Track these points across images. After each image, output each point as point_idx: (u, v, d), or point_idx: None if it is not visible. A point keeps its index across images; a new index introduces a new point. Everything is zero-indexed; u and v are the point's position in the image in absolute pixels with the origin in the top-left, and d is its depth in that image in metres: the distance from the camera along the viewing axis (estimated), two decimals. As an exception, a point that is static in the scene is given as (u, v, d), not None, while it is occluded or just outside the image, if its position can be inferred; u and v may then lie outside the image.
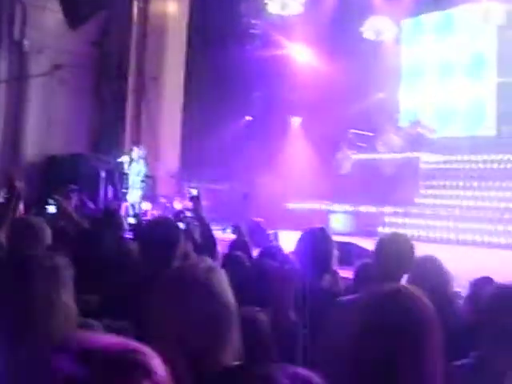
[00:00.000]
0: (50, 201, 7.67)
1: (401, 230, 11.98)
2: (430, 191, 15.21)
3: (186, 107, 19.20)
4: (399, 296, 2.19)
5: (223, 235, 9.97)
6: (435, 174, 15.49)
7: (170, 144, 18.94)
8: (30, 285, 2.27)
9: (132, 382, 1.09)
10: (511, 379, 2.47)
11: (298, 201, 16.36)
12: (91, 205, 14.67)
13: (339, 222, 14.89)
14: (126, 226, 7.76)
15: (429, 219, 14.00)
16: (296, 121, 18.75)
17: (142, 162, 16.00)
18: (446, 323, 2.17)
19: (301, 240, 4.17)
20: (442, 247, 10.84)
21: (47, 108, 17.63)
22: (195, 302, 2.17)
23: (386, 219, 14.51)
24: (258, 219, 10.10)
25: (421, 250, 3.87)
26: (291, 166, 16.49)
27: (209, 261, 2.41)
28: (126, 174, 16.45)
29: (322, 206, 15.95)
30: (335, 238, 4.24)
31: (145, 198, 16.14)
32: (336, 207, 15.70)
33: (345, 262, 6.43)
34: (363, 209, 15.22)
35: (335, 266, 4.37)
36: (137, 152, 16.20)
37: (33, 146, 17.96)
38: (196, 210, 5.06)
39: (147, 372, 1.11)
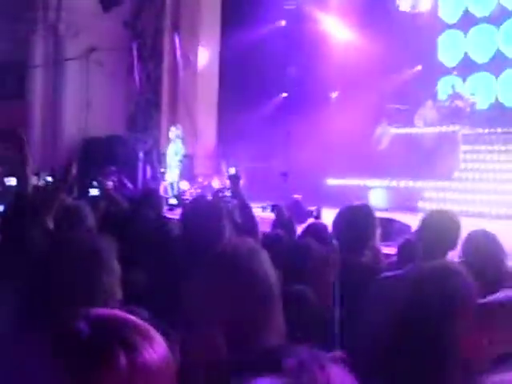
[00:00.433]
0: (93, 183, 7.74)
1: (441, 205, 11.86)
2: (470, 165, 14.99)
3: (222, 85, 19.18)
4: (443, 272, 2.17)
5: (263, 214, 9.96)
6: (475, 148, 15.25)
7: (206, 122, 18.97)
8: (71, 268, 2.27)
9: (110, 354, 1.10)
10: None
11: (337, 177, 16.26)
12: (130, 185, 14.81)
13: (379, 198, 14.77)
14: (166, 206, 7.81)
15: (469, 193, 13.82)
16: (333, 96, 18.58)
17: (179, 141, 16.03)
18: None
19: (340, 216, 4.14)
20: (483, 222, 10.69)
21: (84, 90, 17.76)
22: (238, 283, 2.16)
23: (426, 194, 14.36)
24: (297, 196, 10.07)
25: (465, 226, 3.80)
26: (329, 142, 16.37)
27: (251, 241, 2.40)
28: (164, 154, 16.52)
29: (362, 181, 15.84)
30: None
31: (183, 177, 16.19)
32: (375, 183, 15.58)
33: (385, 237, 6.38)
34: (403, 184, 15.08)
35: (377, 243, 4.33)
36: (174, 131, 16.23)
37: (71, 129, 18.16)
38: (235, 189, 5.00)
39: (129, 348, 1.11)
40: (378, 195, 15.11)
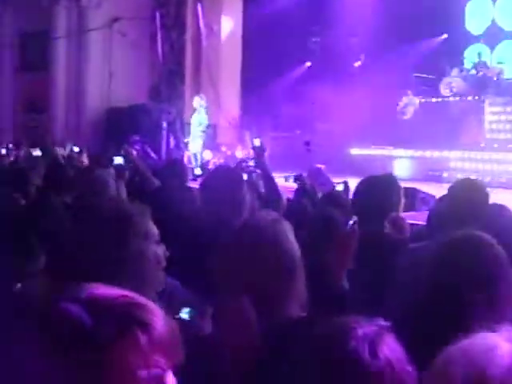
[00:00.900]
0: (118, 152, 7.74)
1: (466, 175, 11.76)
2: (495, 135, 14.81)
3: (245, 55, 19.07)
4: (472, 242, 2.15)
5: (286, 183, 9.94)
6: (501, 117, 15.05)
7: (230, 92, 18.91)
8: (96, 234, 2.28)
9: (129, 335, 1.14)
10: None
11: (361, 147, 16.18)
12: (154, 155, 14.85)
13: (403, 168, 14.68)
14: (190, 176, 7.81)
15: (495, 163, 13.68)
16: (357, 65, 18.41)
17: (202, 110, 16.00)
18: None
19: (361, 185, 4.10)
20: (509, 193, 10.58)
21: (107, 61, 17.76)
22: (262, 253, 2.17)
23: (452, 164, 14.24)
24: (320, 165, 10.02)
25: (492, 196, 3.75)
26: (354, 111, 16.26)
27: (274, 214, 2.41)
28: (188, 124, 16.50)
29: (386, 151, 15.75)
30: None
31: (206, 147, 16.18)
32: (400, 152, 15.47)
33: (410, 207, 6.34)
34: (428, 154, 14.96)
35: (401, 212, 4.30)
36: (197, 101, 16.20)
37: (95, 99, 18.20)
38: (259, 160, 4.96)
39: (145, 326, 1.15)
40: (402, 165, 15.02)
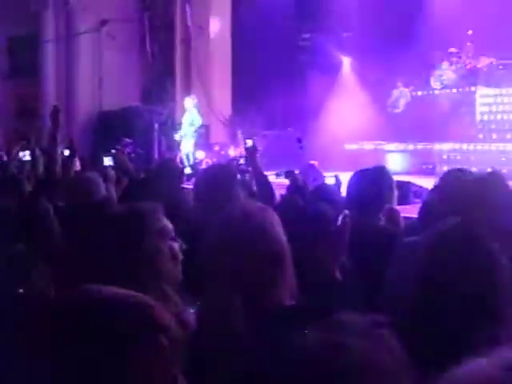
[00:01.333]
0: (107, 153, 7.73)
1: (458, 167, 11.76)
2: (487, 126, 14.82)
3: (235, 53, 19.03)
4: (465, 236, 2.14)
5: (277, 180, 9.92)
6: (492, 108, 15.06)
7: (221, 91, 18.87)
8: (111, 236, 2.29)
9: (149, 339, 1.15)
10: None
11: (354, 142, 16.18)
12: (144, 156, 14.83)
13: (396, 162, 14.68)
14: (183, 176, 7.79)
15: (487, 154, 13.69)
16: (348, 60, 18.41)
17: (194, 110, 15.98)
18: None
19: (353, 179, 4.10)
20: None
21: (97, 64, 17.72)
22: (249, 239, 2.17)
23: (444, 156, 14.25)
24: (313, 162, 10.00)
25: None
26: (345, 106, 16.25)
27: (261, 204, 2.42)
28: (179, 124, 16.48)
29: (379, 145, 15.75)
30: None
31: (199, 146, 16.17)
32: (392, 146, 15.48)
33: (403, 200, 6.33)
34: (420, 147, 14.97)
35: (395, 205, 4.30)
36: (188, 101, 16.18)
37: (85, 102, 18.14)
38: (252, 161, 4.92)
39: (162, 328, 1.17)
40: (395, 159, 15.02)
